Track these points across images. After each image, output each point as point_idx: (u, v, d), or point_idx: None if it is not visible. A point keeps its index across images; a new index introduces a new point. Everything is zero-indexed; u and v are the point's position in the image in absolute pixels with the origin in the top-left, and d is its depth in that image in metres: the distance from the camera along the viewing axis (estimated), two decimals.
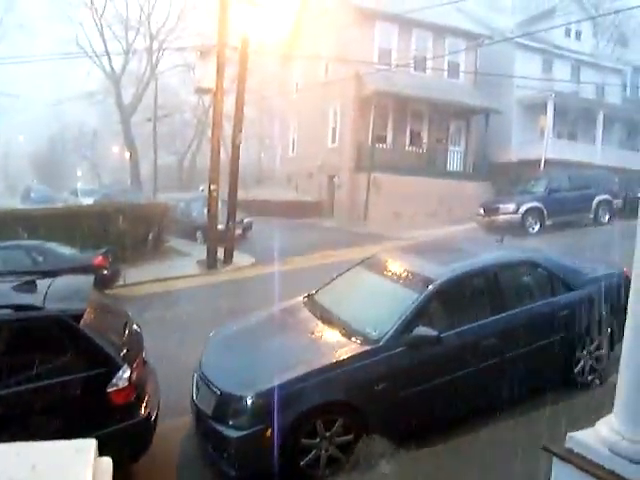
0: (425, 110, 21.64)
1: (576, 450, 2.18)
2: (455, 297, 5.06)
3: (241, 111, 13.85)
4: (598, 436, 2.20)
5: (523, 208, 15.77)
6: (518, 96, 22.61)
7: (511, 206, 15.93)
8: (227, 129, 17.63)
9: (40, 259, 10.08)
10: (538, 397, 4.82)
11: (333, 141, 22.56)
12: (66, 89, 36.10)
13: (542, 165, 20.82)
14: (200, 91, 15.61)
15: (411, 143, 21.59)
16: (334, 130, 22.45)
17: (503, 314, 4.99)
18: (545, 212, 15.84)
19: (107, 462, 1.74)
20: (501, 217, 15.86)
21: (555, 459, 2.22)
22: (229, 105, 15.13)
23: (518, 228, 15.18)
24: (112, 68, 33.75)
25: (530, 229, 15.69)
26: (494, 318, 4.95)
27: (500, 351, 4.84)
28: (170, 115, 34.78)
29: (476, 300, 5.21)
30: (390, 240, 14.63)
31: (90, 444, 1.71)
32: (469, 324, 4.84)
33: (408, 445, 4.30)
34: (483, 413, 4.71)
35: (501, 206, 16.19)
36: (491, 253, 5.85)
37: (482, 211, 16.62)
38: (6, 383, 3.78)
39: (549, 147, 21.25)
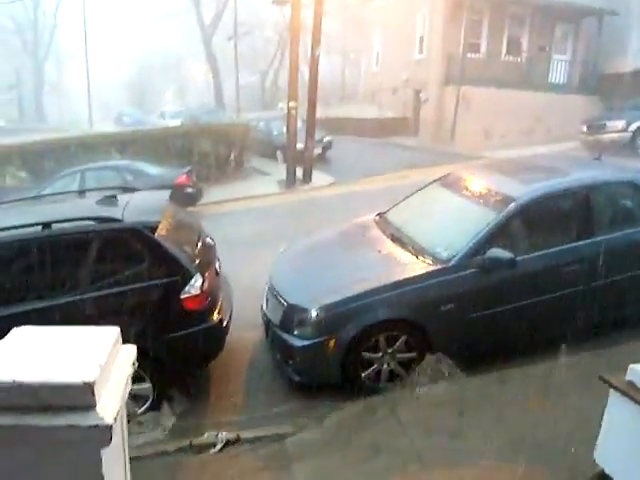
0: (526, 13, 19.28)
1: (637, 383, 1.98)
2: (538, 218, 4.68)
3: (319, 21, 13.24)
4: None
5: (634, 125, 14.05)
6: None
7: (620, 123, 14.24)
8: (308, 44, 17.03)
9: (130, 178, 10.65)
10: (623, 330, 4.50)
11: (420, 52, 21.05)
12: (149, 12, 36.44)
13: None
14: (277, 2, 15.02)
15: (508, 52, 19.50)
16: (421, 40, 20.83)
17: (593, 239, 4.56)
18: None
19: (130, 349, 1.86)
20: (607, 135, 14.26)
21: (612, 391, 2.05)
22: (310, 18, 14.48)
23: (627, 148, 13.62)
24: None
25: None
26: (582, 243, 4.55)
27: (585, 279, 4.48)
28: (251, 32, 34.14)
29: (562, 223, 4.81)
30: (478, 160, 13.84)
31: (112, 331, 1.83)
32: (552, 248, 4.50)
33: (473, 368, 4.23)
34: (558, 343, 4.48)
35: (608, 123, 14.54)
36: (584, 172, 5.30)
37: (585, 128, 15.08)
38: (92, 287, 4.13)
39: None
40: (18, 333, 1.89)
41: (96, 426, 1.55)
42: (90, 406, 1.57)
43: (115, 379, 1.71)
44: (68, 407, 1.56)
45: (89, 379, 1.57)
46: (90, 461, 1.58)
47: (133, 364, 1.84)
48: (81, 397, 1.56)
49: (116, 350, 1.80)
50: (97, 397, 1.58)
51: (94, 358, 1.65)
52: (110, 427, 1.56)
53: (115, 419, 1.58)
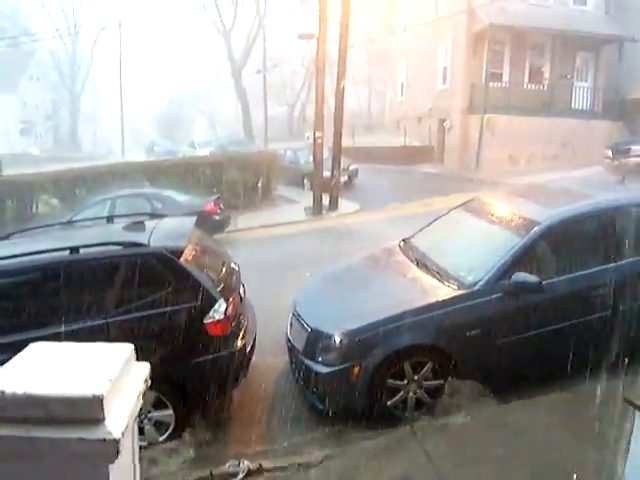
0: (547, 42, 19.38)
1: None
2: (562, 242, 4.60)
3: (345, 54, 13.53)
4: None
5: None
6: None
7: None
8: (335, 76, 17.38)
9: (159, 205, 10.84)
10: None
11: (444, 82, 21.27)
12: (181, 47, 37.85)
13: None
14: (303, 37, 15.47)
15: (530, 80, 19.59)
16: (445, 70, 21.08)
17: (619, 262, 4.44)
18: None
19: (143, 366, 1.86)
20: (632, 159, 14.19)
21: (638, 414, 1.93)
22: (336, 51, 14.80)
23: None
24: (222, 23, 34.67)
25: None
26: (608, 266, 4.44)
27: (613, 303, 4.34)
28: (279, 65, 35.07)
29: (587, 246, 4.71)
30: (503, 187, 13.68)
31: (126, 348, 1.83)
32: (577, 272, 4.39)
33: (501, 395, 4.09)
34: (586, 368, 4.30)
35: (633, 147, 14.57)
36: (608, 195, 5.19)
37: (610, 153, 14.93)
38: (117, 311, 4.16)
39: None
40: (34, 348, 1.92)
41: (104, 440, 1.54)
42: (99, 420, 1.57)
43: (126, 394, 1.71)
44: (77, 420, 1.57)
45: (99, 393, 1.59)
46: (98, 476, 1.57)
47: (146, 381, 1.84)
48: (90, 410, 1.57)
49: (128, 366, 1.81)
50: (106, 411, 1.59)
51: (105, 373, 1.67)
52: (117, 441, 1.55)
53: (123, 434, 1.57)
